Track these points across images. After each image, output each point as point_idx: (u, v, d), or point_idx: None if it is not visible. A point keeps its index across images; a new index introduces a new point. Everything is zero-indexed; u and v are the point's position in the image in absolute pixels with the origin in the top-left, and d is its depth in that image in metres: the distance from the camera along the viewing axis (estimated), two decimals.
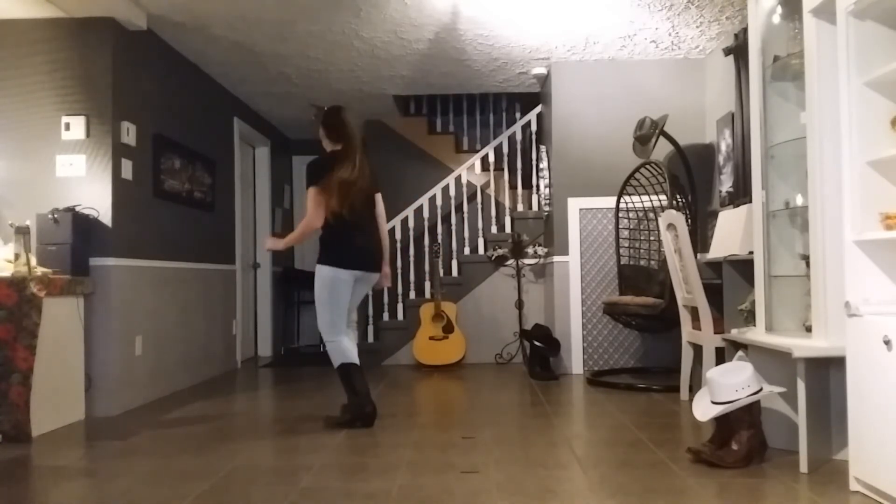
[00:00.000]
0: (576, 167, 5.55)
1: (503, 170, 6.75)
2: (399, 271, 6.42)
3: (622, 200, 5.30)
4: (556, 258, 5.56)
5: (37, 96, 4.15)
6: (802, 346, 2.69)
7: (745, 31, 4.53)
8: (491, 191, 6.82)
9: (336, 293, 3.65)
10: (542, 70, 5.70)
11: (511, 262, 6.14)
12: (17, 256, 3.69)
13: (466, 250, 6.39)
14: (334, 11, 4.42)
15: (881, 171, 2.40)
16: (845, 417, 2.60)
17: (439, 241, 6.40)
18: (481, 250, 6.37)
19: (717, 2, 4.41)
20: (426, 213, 6.36)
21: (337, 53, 5.20)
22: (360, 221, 3.71)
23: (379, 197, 3.86)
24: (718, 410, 2.77)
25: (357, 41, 4.96)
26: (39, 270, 3.68)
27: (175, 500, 2.46)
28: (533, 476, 2.69)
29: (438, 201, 6.36)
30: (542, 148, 6.02)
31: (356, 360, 3.68)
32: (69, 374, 3.90)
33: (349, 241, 3.66)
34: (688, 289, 4.04)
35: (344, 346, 3.67)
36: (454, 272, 6.33)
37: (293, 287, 7.81)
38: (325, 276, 3.64)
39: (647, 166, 5.08)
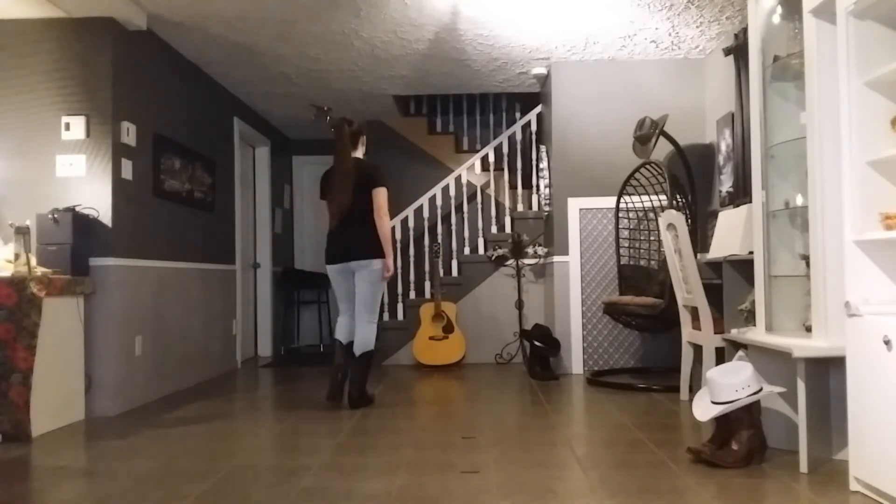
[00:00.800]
0: (576, 167, 5.56)
1: (503, 170, 6.76)
2: (399, 271, 6.41)
3: (622, 200, 5.30)
4: (556, 258, 5.56)
5: (37, 96, 4.15)
6: (802, 346, 2.69)
7: (745, 31, 4.53)
8: (491, 191, 6.82)
9: (333, 284, 4.31)
10: (542, 70, 5.70)
11: (511, 262, 6.14)
12: (17, 256, 3.69)
13: (466, 250, 6.39)
14: (334, 11, 4.42)
15: (881, 171, 2.40)
16: (845, 417, 2.60)
17: (439, 241, 6.41)
18: (481, 250, 6.37)
19: (717, 2, 4.41)
20: (426, 213, 6.36)
21: (337, 53, 5.20)
22: (343, 220, 4.19)
23: (376, 192, 4.17)
24: (718, 410, 2.77)
25: (357, 41, 4.96)
26: (39, 270, 3.68)
27: (175, 500, 2.46)
28: (533, 476, 2.69)
29: (438, 201, 6.36)
30: (542, 148, 6.02)
31: (342, 339, 4.26)
32: (69, 374, 3.90)
33: (329, 240, 4.27)
34: (688, 289, 4.04)
35: (339, 326, 4.31)
36: (454, 272, 6.33)
37: (293, 287, 7.81)
38: None
39: (647, 166, 5.08)
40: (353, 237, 4.15)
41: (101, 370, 4.11)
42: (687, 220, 4.38)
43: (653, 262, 5.29)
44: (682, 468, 2.76)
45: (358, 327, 4.18)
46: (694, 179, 5.18)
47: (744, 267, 3.63)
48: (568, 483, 2.59)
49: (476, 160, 6.46)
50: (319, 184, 4.37)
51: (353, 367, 4.18)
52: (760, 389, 2.79)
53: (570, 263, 5.53)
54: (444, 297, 6.16)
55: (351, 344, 4.23)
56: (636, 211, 5.42)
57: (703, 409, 2.85)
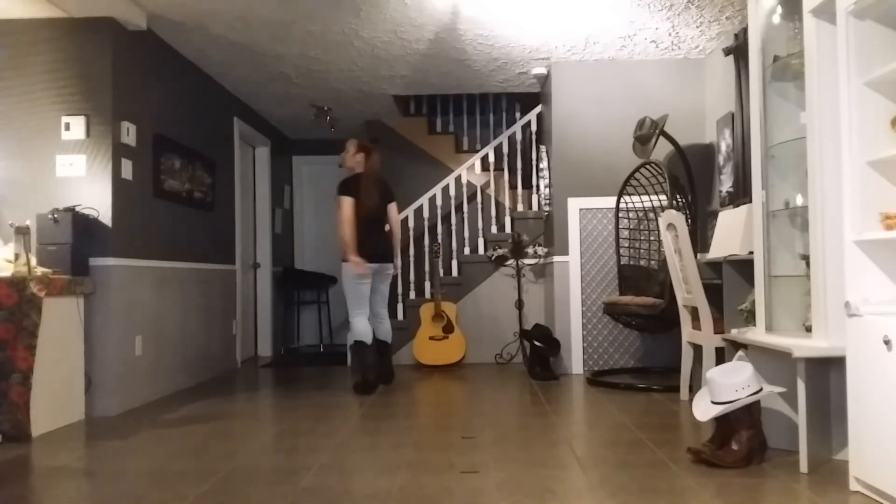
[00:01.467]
0: (576, 167, 5.56)
1: (503, 170, 6.76)
2: (399, 271, 6.40)
3: (622, 200, 5.30)
4: (556, 258, 5.56)
5: (37, 96, 4.15)
6: (802, 346, 2.69)
7: (745, 31, 4.53)
8: (491, 191, 6.82)
9: (361, 279, 4.77)
10: (542, 70, 5.70)
11: (511, 262, 6.14)
12: (17, 256, 3.69)
13: (466, 250, 6.39)
14: (334, 11, 4.42)
15: (881, 171, 2.40)
16: (845, 417, 2.60)
17: (439, 241, 6.40)
18: (481, 250, 6.37)
19: (717, 2, 4.41)
20: (426, 213, 6.36)
21: (337, 53, 5.20)
22: (370, 224, 4.79)
23: (392, 207, 5.03)
24: (718, 410, 2.77)
25: (357, 41, 4.96)
26: (39, 270, 3.68)
27: (175, 500, 2.47)
28: (533, 476, 2.69)
29: (438, 201, 6.36)
30: (542, 148, 6.02)
31: (366, 340, 4.79)
32: (69, 374, 3.90)
33: (365, 240, 4.74)
34: (688, 289, 4.04)
35: (356, 327, 4.79)
36: (454, 272, 6.33)
37: (293, 287, 7.81)
38: (344, 269, 4.82)
39: (647, 166, 5.08)
40: (382, 241, 4.90)
41: (101, 370, 4.11)
42: (687, 220, 4.38)
43: (653, 262, 5.29)
44: (682, 468, 2.76)
45: (381, 322, 4.96)
46: (694, 179, 5.18)
47: (744, 267, 3.63)
48: (568, 483, 2.59)
49: (476, 160, 6.46)
50: (341, 184, 4.84)
51: (382, 348, 4.96)
52: (760, 389, 2.79)
53: (570, 263, 5.53)
54: (444, 297, 6.16)
55: (374, 342, 4.91)
56: (636, 211, 5.42)
57: (703, 409, 2.85)
